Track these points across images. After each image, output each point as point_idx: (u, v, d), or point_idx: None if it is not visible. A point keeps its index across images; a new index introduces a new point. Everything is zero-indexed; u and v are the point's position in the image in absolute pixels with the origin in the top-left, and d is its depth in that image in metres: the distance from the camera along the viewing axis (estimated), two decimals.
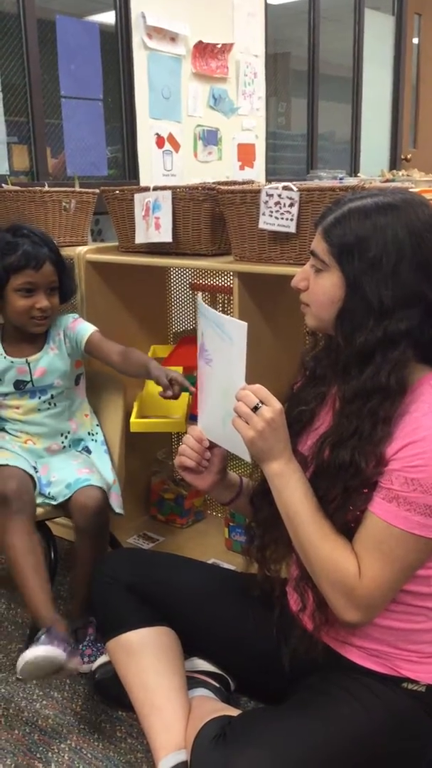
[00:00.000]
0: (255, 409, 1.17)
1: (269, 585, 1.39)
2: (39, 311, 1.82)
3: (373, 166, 6.09)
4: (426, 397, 1.13)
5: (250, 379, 1.89)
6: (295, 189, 1.69)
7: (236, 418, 1.18)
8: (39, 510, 1.80)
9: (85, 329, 1.92)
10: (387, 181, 4.61)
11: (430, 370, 1.18)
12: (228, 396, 1.22)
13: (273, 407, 1.17)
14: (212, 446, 1.37)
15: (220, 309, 2.44)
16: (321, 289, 1.19)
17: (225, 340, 1.21)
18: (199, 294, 1.25)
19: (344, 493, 1.16)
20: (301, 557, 1.21)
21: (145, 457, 2.47)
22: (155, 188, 1.99)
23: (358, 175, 5.11)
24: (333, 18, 5.73)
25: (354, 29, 5.99)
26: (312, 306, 1.23)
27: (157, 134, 4.40)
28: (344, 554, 1.15)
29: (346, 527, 1.18)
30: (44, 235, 1.86)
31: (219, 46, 4.64)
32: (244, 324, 1.17)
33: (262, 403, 1.17)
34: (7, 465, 1.78)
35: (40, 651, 1.49)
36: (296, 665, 1.31)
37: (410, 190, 1.74)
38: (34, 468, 1.87)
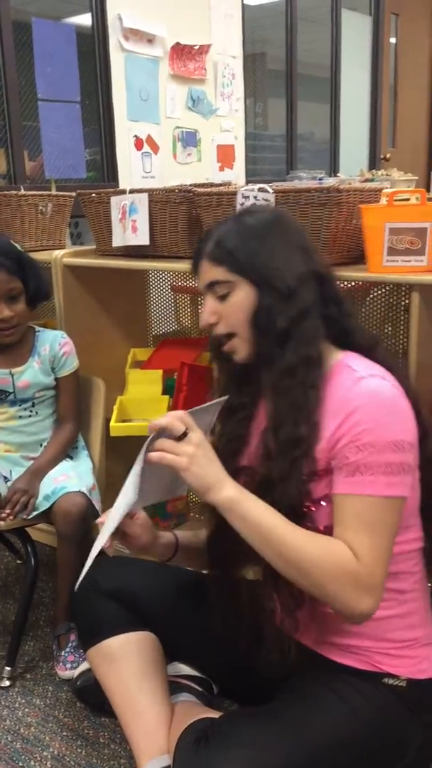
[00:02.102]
0: (182, 437, 1.13)
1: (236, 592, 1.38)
2: (1, 322, 1.80)
3: (353, 165, 6.11)
4: (343, 377, 1.19)
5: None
6: (270, 191, 1.69)
7: (163, 454, 1.13)
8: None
9: (71, 364, 1.94)
10: (366, 180, 4.63)
11: (342, 353, 1.24)
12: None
13: (197, 431, 1.15)
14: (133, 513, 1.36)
15: (200, 310, 2.43)
16: (237, 308, 1.23)
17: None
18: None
19: (291, 469, 1.17)
20: (295, 574, 1.14)
21: (126, 461, 2.45)
22: (131, 191, 1.98)
23: (338, 175, 5.13)
24: (310, 18, 5.75)
25: (331, 29, 6.01)
26: (238, 331, 1.25)
27: (135, 136, 4.39)
28: (334, 544, 1.13)
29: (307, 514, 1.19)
30: (3, 242, 1.84)
31: (196, 47, 4.65)
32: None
33: (189, 430, 1.14)
34: None
35: None
36: (276, 668, 1.30)
37: (386, 190, 1.75)
38: (5, 478, 1.87)
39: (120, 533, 1.34)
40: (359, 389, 1.15)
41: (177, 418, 1.14)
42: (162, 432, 1.14)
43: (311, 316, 1.21)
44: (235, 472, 1.27)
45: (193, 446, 1.12)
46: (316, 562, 1.12)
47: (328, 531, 1.17)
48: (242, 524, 1.13)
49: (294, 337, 1.19)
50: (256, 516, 1.13)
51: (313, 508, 1.19)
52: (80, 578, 1.27)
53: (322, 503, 1.19)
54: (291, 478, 1.17)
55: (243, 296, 1.23)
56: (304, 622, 1.25)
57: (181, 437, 1.13)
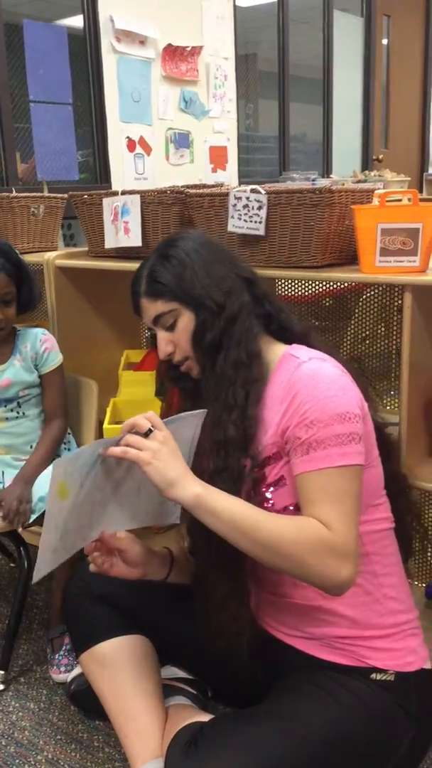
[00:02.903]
0: (147, 434, 1.15)
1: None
2: None
3: (346, 166, 6.13)
4: (286, 366, 1.25)
5: None
6: (263, 192, 1.69)
7: (125, 448, 1.13)
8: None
9: (54, 360, 1.93)
10: (359, 181, 4.64)
11: (287, 346, 1.30)
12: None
13: (164, 430, 1.16)
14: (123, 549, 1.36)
15: None
16: (183, 332, 1.30)
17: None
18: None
19: (230, 463, 1.22)
20: (273, 557, 1.13)
21: None
22: (123, 192, 1.98)
23: (331, 176, 5.13)
24: (302, 20, 5.76)
25: (323, 31, 6.02)
26: (189, 354, 1.31)
27: (127, 138, 4.39)
28: (304, 521, 1.14)
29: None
30: (4, 244, 1.84)
31: (188, 48, 4.65)
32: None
33: (154, 428, 1.16)
34: None
35: None
36: (269, 673, 1.30)
37: (378, 191, 1.75)
38: None
39: (112, 551, 1.35)
40: (300, 373, 1.21)
41: (143, 417, 1.17)
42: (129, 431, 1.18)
43: (241, 319, 1.28)
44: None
45: (157, 442, 1.14)
46: (292, 540, 1.12)
47: (289, 512, 1.22)
48: (212, 519, 1.13)
49: (224, 344, 1.28)
50: (225, 508, 1.13)
51: (270, 491, 1.23)
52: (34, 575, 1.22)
53: (279, 485, 1.23)
54: (226, 473, 1.22)
55: (186, 320, 1.30)
56: (286, 622, 1.25)
57: (147, 434, 1.15)
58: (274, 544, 1.12)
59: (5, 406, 1.89)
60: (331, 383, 1.19)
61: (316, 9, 5.93)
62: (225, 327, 1.27)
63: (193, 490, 1.13)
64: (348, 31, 6.28)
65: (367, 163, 6.66)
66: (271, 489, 1.24)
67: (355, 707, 1.19)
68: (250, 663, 1.29)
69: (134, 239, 1.97)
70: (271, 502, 1.23)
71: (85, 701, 1.61)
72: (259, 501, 1.22)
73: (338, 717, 1.18)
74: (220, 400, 1.26)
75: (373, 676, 1.22)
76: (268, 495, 1.24)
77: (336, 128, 6.28)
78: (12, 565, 2.34)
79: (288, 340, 1.33)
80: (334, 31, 6.06)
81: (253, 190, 1.70)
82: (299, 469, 1.18)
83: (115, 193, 1.99)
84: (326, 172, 6.09)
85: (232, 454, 1.23)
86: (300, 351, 1.27)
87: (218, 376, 1.28)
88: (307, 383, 1.20)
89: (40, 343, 1.90)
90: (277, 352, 1.30)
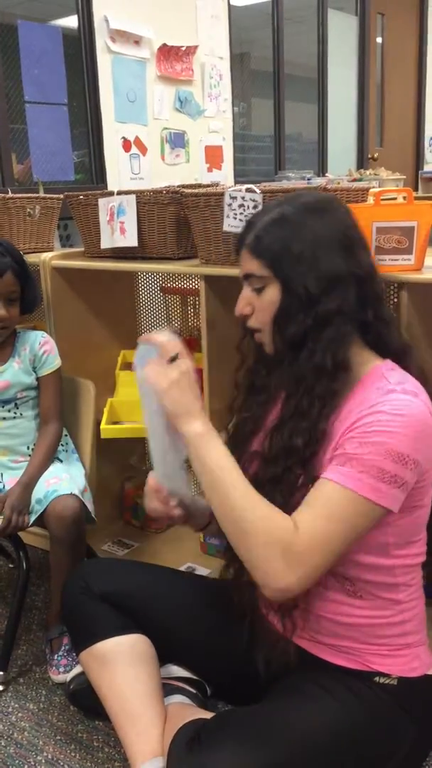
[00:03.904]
0: (172, 360, 1.17)
1: (242, 590, 1.38)
2: None
3: (341, 165, 6.13)
4: (374, 386, 1.17)
5: (219, 381, 1.90)
6: (258, 191, 1.69)
7: (149, 367, 1.18)
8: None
9: (52, 363, 1.93)
10: (355, 180, 4.65)
11: (381, 361, 1.22)
12: (157, 438, 1.23)
13: (188, 362, 1.18)
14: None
15: (191, 311, 2.44)
16: (267, 305, 1.22)
17: (139, 373, 1.20)
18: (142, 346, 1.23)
19: (283, 474, 1.18)
20: (230, 528, 1.15)
21: (117, 463, 2.46)
22: (119, 193, 1.98)
23: (326, 175, 5.14)
24: (296, 19, 5.76)
25: (318, 30, 6.02)
26: (264, 329, 1.24)
27: (123, 138, 4.38)
28: (278, 513, 1.13)
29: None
30: (9, 244, 1.85)
31: (183, 48, 4.64)
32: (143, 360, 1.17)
33: (180, 356, 1.18)
34: None
35: None
36: (271, 668, 1.30)
37: (373, 189, 1.76)
38: None
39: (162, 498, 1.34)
40: (386, 399, 1.13)
41: (172, 342, 1.18)
42: (151, 350, 1.18)
43: (335, 323, 1.17)
44: (245, 455, 1.31)
45: (178, 372, 1.16)
46: (253, 521, 1.12)
47: None
48: (198, 463, 1.17)
49: (309, 344, 1.17)
50: (214, 459, 1.16)
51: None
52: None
53: None
54: (280, 484, 1.18)
55: (273, 295, 1.21)
56: (301, 623, 1.25)
57: (171, 361, 1.17)
58: (237, 514, 1.13)
59: (3, 407, 1.89)
60: (411, 424, 1.11)
61: (310, 8, 5.94)
62: (313, 326, 1.17)
63: (194, 427, 1.17)
64: (342, 30, 6.28)
65: (362, 161, 6.67)
66: None
67: (357, 707, 1.19)
68: (252, 654, 1.29)
69: (130, 239, 1.97)
70: None
71: (84, 700, 1.61)
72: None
73: (339, 716, 1.18)
74: (291, 401, 1.20)
75: (377, 679, 1.22)
76: None
77: (331, 127, 6.28)
78: (11, 566, 2.34)
79: (381, 353, 1.24)
80: (328, 30, 6.06)
81: (248, 190, 1.70)
82: (327, 474, 1.14)
83: (111, 194, 2.00)
84: (322, 170, 6.10)
85: (291, 467, 1.18)
86: (393, 374, 1.19)
87: (296, 374, 1.19)
88: (387, 411, 1.12)
89: (39, 346, 1.91)
90: (367, 364, 1.22)
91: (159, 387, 1.16)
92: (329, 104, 6.23)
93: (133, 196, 1.94)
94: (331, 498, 1.12)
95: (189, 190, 1.86)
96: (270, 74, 5.66)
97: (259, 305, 1.23)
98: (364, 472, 1.10)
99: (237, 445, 1.32)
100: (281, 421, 1.20)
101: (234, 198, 1.72)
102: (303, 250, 1.16)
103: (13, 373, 1.87)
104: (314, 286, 1.16)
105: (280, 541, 1.10)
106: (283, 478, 1.18)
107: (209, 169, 5.07)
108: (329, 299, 1.16)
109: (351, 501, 1.11)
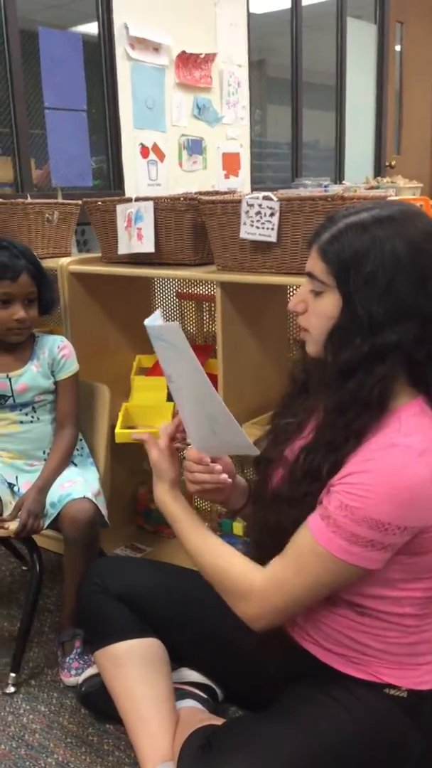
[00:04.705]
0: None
1: None
2: (16, 322, 1.82)
3: (358, 173, 6.13)
4: (392, 430, 1.10)
5: (234, 387, 1.91)
6: (275, 198, 1.70)
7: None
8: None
9: (70, 367, 1.94)
10: (371, 188, 4.64)
11: (415, 397, 1.15)
12: (202, 402, 1.21)
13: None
14: (214, 459, 1.35)
15: (206, 317, 2.45)
16: (321, 312, 1.15)
17: (171, 348, 1.19)
18: (158, 311, 1.24)
19: (303, 498, 1.17)
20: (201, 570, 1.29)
21: (131, 467, 2.46)
22: (137, 199, 1.99)
23: (343, 182, 5.14)
24: (315, 26, 5.77)
25: (336, 37, 6.03)
26: (312, 331, 1.18)
27: (141, 144, 4.41)
28: (242, 565, 1.23)
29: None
30: (23, 247, 1.87)
31: (202, 56, 4.66)
32: (175, 324, 1.17)
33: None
34: None
35: None
36: (282, 674, 1.31)
37: (390, 198, 1.76)
38: (11, 484, 1.87)
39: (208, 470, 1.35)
40: (382, 456, 1.08)
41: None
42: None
43: (389, 360, 1.09)
44: (276, 460, 1.31)
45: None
46: (218, 577, 1.25)
47: None
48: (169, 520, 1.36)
49: (358, 375, 1.10)
50: (180, 526, 1.33)
51: None
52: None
53: None
54: (296, 507, 1.18)
55: (329, 304, 1.13)
56: (307, 630, 1.25)
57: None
58: (201, 567, 1.28)
59: (20, 410, 1.90)
60: (400, 490, 1.05)
61: (329, 15, 5.95)
62: (368, 355, 1.09)
63: (160, 494, 1.36)
64: (361, 38, 6.28)
65: (379, 169, 6.66)
66: None
67: (366, 717, 1.19)
68: (263, 658, 1.29)
69: (147, 245, 1.98)
70: None
71: (95, 703, 1.63)
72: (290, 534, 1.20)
73: (349, 725, 1.18)
74: (327, 430, 1.14)
75: (386, 690, 1.22)
76: None
77: (348, 134, 6.28)
78: (24, 568, 2.35)
79: (418, 388, 1.15)
80: (347, 38, 6.07)
81: (265, 197, 1.71)
82: (310, 519, 1.14)
83: (129, 200, 2.01)
84: (339, 178, 6.10)
85: (312, 493, 1.16)
86: (410, 422, 1.10)
87: (339, 403, 1.13)
88: (375, 478, 1.07)
89: (58, 350, 1.92)
90: (397, 399, 1.13)
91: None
92: (347, 112, 6.23)
93: (151, 203, 1.95)
94: (305, 549, 1.13)
95: (206, 197, 1.87)
96: (286, 81, 5.67)
97: (313, 308, 1.17)
98: (336, 532, 1.09)
99: (274, 446, 1.33)
100: (313, 446, 1.17)
101: (251, 205, 1.73)
102: (377, 271, 1.07)
103: (32, 376, 1.89)
104: (380, 314, 1.07)
105: (236, 591, 1.21)
106: (301, 501, 1.18)
107: (226, 176, 5.08)
108: (392, 332, 1.08)
109: (321, 557, 1.11)
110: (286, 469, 1.25)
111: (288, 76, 5.66)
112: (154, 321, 1.18)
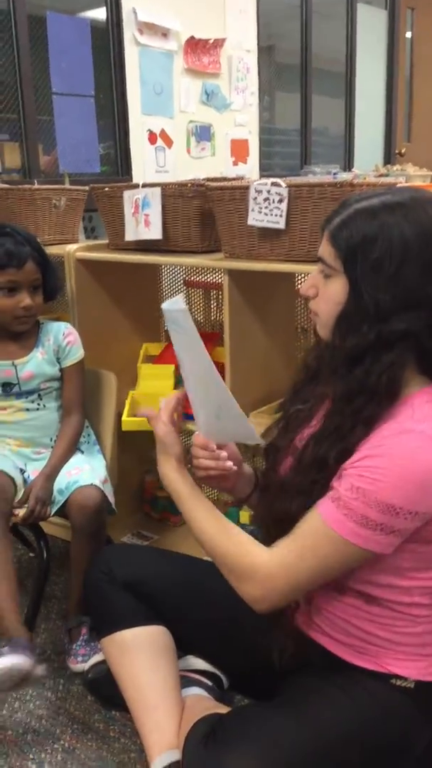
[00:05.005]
0: None
1: None
2: (23, 310, 1.81)
3: (368, 160, 6.09)
4: (404, 417, 1.10)
5: (241, 375, 1.90)
6: (283, 185, 1.68)
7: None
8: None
9: (76, 354, 1.94)
10: (381, 175, 4.61)
11: (428, 384, 1.14)
12: (208, 388, 1.21)
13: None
14: (220, 446, 1.35)
15: (214, 305, 2.44)
16: (330, 296, 1.15)
17: (181, 332, 1.18)
18: (180, 296, 1.23)
19: (311, 486, 1.16)
20: (206, 550, 1.26)
21: (137, 455, 2.46)
22: (144, 185, 1.98)
23: (353, 170, 5.10)
24: (324, 12, 5.72)
25: (347, 23, 5.98)
26: (321, 315, 1.18)
27: (149, 130, 4.39)
28: (248, 544, 1.20)
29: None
30: (27, 233, 1.86)
31: (211, 41, 4.63)
32: (183, 308, 1.15)
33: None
34: None
35: (5, 662, 1.48)
36: (288, 663, 1.30)
37: (400, 184, 1.74)
38: (22, 470, 1.87)
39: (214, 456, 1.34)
40: (395, 442, 1.07)
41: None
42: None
43: (397, 348, 1.09)
44: (285, 448, 1.31)
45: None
46: (222, 552, 1.22)
47: None
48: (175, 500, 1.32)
49: (366, 363, 1.10)
50: (186, 503, 1.29)
51: None
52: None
53: None
54: (304, 495, 1.17)
55: (337, 288, 1.13)
56: (314, 618, 1.25)
57: None
58: (205, 545, 1.26)
59: (26, 398, 1.90)
60: (414, 474, 1.05)
61: (339, 1, 5.89)
62: (375, 343, 1.09)
63: (167, 471, 1.32)
64: (371, 24, 6.23)
65: (389, 157, 6.62)
66: None
67: (372, 708, 1.18)
68: (268, 646, 1.29)
69: (154, 232, 1.97)
70: None
71: (101, 690, 1.63)
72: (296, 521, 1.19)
73: (355, 715, 1.18)
74: (335, 418, 1.14)
75: (393, 681, 1.21)
76: None
77: (358, 122, 6.24)
78: (31, 554, 2.36)
79: (430, 374, 1.15)
80: (357, 24, 6.02)
81: (273, 183, 1.70)
82: (320, 504, 1.13)
83: (136, 186, 2.00)
84: (348, 166, 6.06)
85: (319, 481, 1.15)
86: (423, 408, 1.10)
87: (347, 391, 1.13)
88: (388, 461, 1.06)
89: (63, 336, 1.92)
90: (409, 387, 1.13)
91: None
92: (357, 98, 6.18)
93: (158, 189, 1.94)
94: (314, 531, 1.12)
95: (214, 184, 1.86)
96: (295, 67, 5.63)
97: (323, 292, 1.17)
98: (347, 515, 1.08)
99: (284, 434, 1.32)
100: (321, 434, 1.17)
101: (259, 192, 1.71)
102: (384, 257, 1.06)
103: (37, 363, 1.89)
104: (387, 302, 1.07)
105: (243, 569, 1.19)
106: (310, 490, 1.17)
107: (234, 163, 5.06)
108: (399, 320, 1.07)
109: (330, 539, 1.10)
110: (294, 457, 1.24)
111: (296, 62, 5.62)
112: (170, 305, 1.17)
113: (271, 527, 1.25)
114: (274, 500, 1.25)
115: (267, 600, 1.18)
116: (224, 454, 1.32)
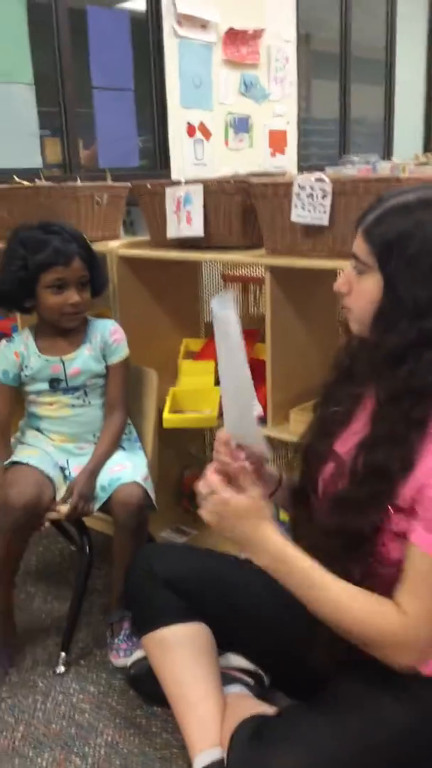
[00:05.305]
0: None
1: None
2: (71, 307, 1.83)
3: (407, 149, 6.00)
4: None
5: (282, 372, 1.89)
6: (327, 180, 1.66)
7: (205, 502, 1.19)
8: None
9: (121, 351, 1.95)
10: (421, 164, 4.53)
11: None
12: (238, 389, 1.19)
13: (221, 493, 1.18)
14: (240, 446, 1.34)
15: (251, 298, 2.43)
16: (363, 292, 1.14)
17: (222, 329, 1.15)
18: (230, 294, 1.20)
19: (371, 499, 1.13)
20: (335, 624, 1.16)
21: (177, 451, 2.47)
22: (187, 182, 1.97)
23: (392, 159, 5.03)
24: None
25: (386, 10, 5.89)
26: (354, 311, 1.18)
27: (188, 123, 4.38)
28: (376, 601, 1.12)
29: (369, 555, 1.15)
30: (74, 230, 1.87)
31: (250, 32, 4.60)
32: (230, 311, 1.12)
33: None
34: (27, 464, 1.80)
35: None
36: (331, 662, 1.29)
37: None
38: (62, 467, 1.89)
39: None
40: None
41: (202, 482, 1.20)
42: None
43: None
44: (325, 453, 1.29)
45: (219, 505, 1.18)
46: (356, 620, 1.13)
47: (397, 564, 1.13)
48: (288, 581, 1.17)
49: (409, 362, 1.09)
50: (296, 581, 1.16)
51: (388, 542, 1.15)
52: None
53: (400, 538, 1.14)
54: (367, 508, 1.14)
55: (371, 285, 1.12)
56: None
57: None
58: (337, 618, 1.15)
59: (72, 394, 1.91)
60: None
61: None
62: (416, 341, 1.08)
63: (267, 558, 1.17)
64: (411, 10, 6.12)
65: (429, 145, 6.51)
66: (388, 542, 1.16)
67: (418, 708, 1.18)
68: (313, 646, 1.28)
69: (196, 229, 1.97)
70: (380, 553, 1.17)
71: (143, 686, 1.64)
72: (364, 541, 1.16)
73: (401, 716, 1.17)
74: (385, 423, 1.12)
75: None
76: (384, 544, 1.16)
77: (397, 110, 6.15)
78: (72, 548, 2.38)
79: None
80: (397, 10, 5.92)
81: (317, 179, 1.68)
82: (415, 539, 1.09)
83: (178, 183, 1.99)
84: (387, 154, 5.98)
85: (379, 492, 1.13)
86: None
87: (392, 394, 1.11)
88: None
89: (110, 334, 1.93)
90: None
91: (211, 524, 1.18)
92: (396, 86, 6.09)
93: (200, 186, 1.93)
94: (425, 571, 1.09)
95: (256, 180, 1.84)
96: (332, 55, 5.56)
97: (357, 288, 1.16)
98: None
99: (322, 438, 1.29)
100: (374, 441, 1.14)
101: (303, 188, 1.70)
102: (420, 254, 1.06)
103: (84, 360, 1.90)
104: (425, 298, 1.06)
105: (387, 635, 1.11)
106: (369, 502, 1.14)
107: (272, 154, 5.02)
108: None
109: None
110: (337, 465, 1.23)
111: (334, 50, 5.56)
112: (219, 306, 1.16)
113: (325, 544, 1.21)
114: (326, 516, 1.22)
115: (420, 659, 1.15)
116: (242, 455, 1.30)
